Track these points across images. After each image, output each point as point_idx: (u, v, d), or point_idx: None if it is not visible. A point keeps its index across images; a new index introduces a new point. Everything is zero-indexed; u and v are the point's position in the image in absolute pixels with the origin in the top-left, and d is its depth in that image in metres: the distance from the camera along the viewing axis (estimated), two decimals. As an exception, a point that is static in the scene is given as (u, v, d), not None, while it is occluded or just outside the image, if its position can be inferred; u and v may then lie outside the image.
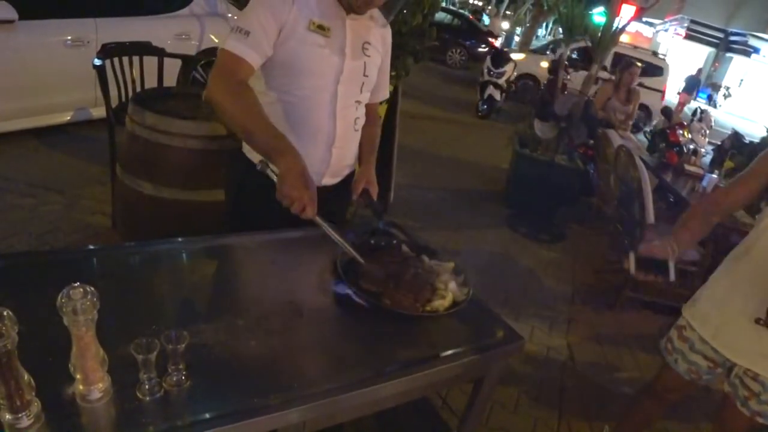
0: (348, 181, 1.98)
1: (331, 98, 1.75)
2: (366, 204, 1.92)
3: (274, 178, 1.48)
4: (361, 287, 1.46)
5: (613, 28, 6.59)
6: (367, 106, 1.97)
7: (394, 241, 1.75)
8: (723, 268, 1.97)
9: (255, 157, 1.78)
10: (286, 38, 1.63)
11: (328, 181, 1.88)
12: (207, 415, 1.01)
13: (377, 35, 1.86)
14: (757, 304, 1.74)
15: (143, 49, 3.68)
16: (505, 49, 11.07)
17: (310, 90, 1.72)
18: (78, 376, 0.97)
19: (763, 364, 1.82)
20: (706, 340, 1.94)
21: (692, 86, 16.63)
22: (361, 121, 1.93)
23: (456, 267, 1.65)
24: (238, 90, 1.57)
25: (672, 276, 1.97)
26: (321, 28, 1.67)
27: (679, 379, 2.09)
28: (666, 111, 7.24)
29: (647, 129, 6.95)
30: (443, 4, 21.50)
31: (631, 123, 6.18)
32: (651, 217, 3.92)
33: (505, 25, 21.75)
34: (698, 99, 16.10)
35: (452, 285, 1.54)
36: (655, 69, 12.00)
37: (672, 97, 16.26)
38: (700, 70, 17.99)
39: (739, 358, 1.87)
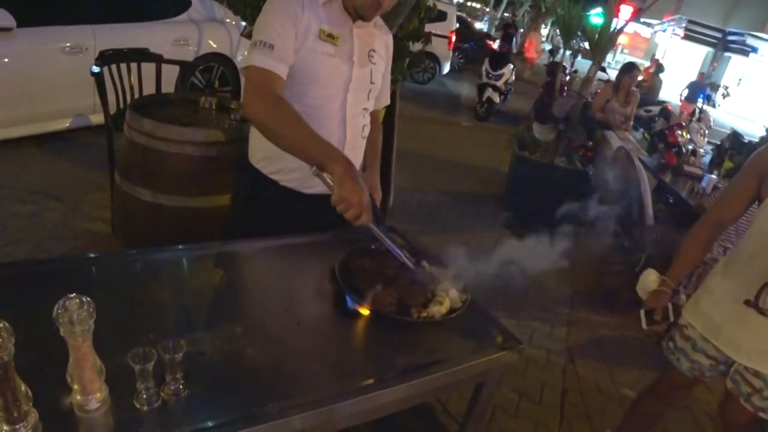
0: None
1: (341, 106, 1.76)
2: None
3: (330, 182, 1.47)
4: (354, 288, 1.46)
5: (611, 28, 6.60)
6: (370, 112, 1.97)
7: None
8: (721, 268, 1.98)
9: (264, 167, 1.80)
10: (298, 47, 1.64)
11: None
12: (205, 424, 1.01)
13: (381, 42, 1.86)
14: (750, 290, 1.76)
15: (141, 55, 3.69)
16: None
17: (321, 99, 1.73)
18: (75, 387, 0.96)
19: (763, 362, 1.83)
20: (708, 338, 1.95)
21: (696, 93, 14.33)
22: (368, 129, 1.93)
23: (456, 273, 1.65)
24: (278, 105, 1.56)
25: (671, 317, 2.01)
26: (331, 37, 1.67)
27: (683, 378, 2.10)
28: (665, 112, 7.24)
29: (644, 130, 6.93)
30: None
31: (630, 124, 6.20)
32: (650, 217, 3.93)
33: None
34: (697, 99, 15.19)
35: (452, 292, 1.54)
36: (438, 14, 12.06)
37: (668, 96, 15.83)
38: (703, 74, 16.16)
39: (740, 356, 1.88)
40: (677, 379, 2.14)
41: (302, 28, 1.62)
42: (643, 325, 2.02)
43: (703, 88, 14.09)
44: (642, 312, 2.03)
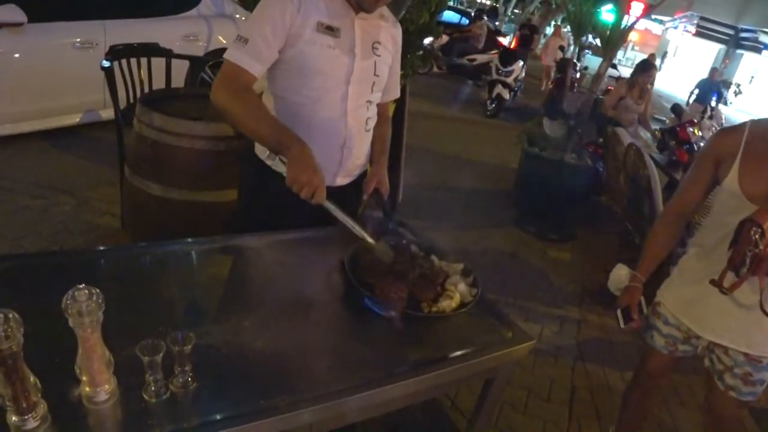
0: (360, 180, 1.98)
1: (342, 98, 1.75)
2: (376, 204, 1.92)
3: (284, 167, 1.52)
4: (362, 282, 1.46)
5: (622, 25, 6.56)
6: (378, 105, 1.96)
7: (404, 241, 1.74)
8: (693, 250, 2.00)
9: (267, 158, 1.79)
10: (294, 41, 1.64)
11: (341, 181, 1.87)
12: (213, 417, 1.01)
13: (387, 35, 1.85)
14: (717, 270, 1.75)
15: (151, 50, 3.69)
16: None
17: (321, 90, 1.73)
18: (84, 378, 0.96)
19: (728, 337, 1.85)
20: (677, 316, 1.99)
21: (707, 93, 11.89)
22: (373, 121, 1.92)
23: (465, 268, 1.64)
24: (240, 94, 1.61)
25: (644, 309, 2.02)
26: (330, 29, 1.67)
27: (661, 359, 2.12)
28: (676, 109, 7.15)
29: (657, 127, 6.86)
30: (451, 3, 21.43)
31: (635, 119, 6.13)
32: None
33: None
34: (709, 99, 12.02)
35: (461, 286, 1.53)
36: None
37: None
38: (716, 71, 13.59)
39: (707, 333, 1.90)
40: (656, 362, 2.16)
41: (297, 24, 1.62)
42: (621, 324, 2.02)
43: (715, 86, 12.34)
44: (619, 312, 2.03)
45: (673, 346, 2.05)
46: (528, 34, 12.42)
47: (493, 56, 11.86)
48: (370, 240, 1.58)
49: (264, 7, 1.63)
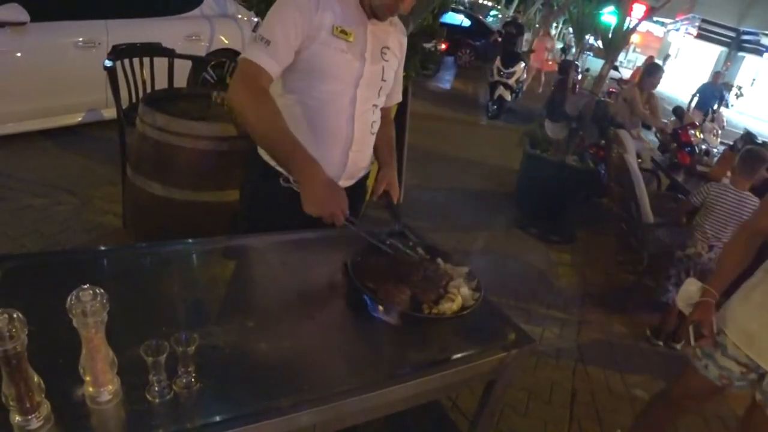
0: (362, 182, 1.99)
1: (350, 102, 1.76)
2: (385, 207, 1.92)
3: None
4: (365, 285, 1.45)
5: (624, 27, 6.56)
6: (381, 108, 1.97)
7: (411, 243, 1.74)
8: (759, 275, 1.91)
9: (272, 159, 1.79)
10: (309, 43, 1.64)
11: (343, 183, 1.87)
12: (217, 418, 1.00)
13: (395, 40, 1.87)
14: None
15: (154, 50, 3.70)
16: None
17: (330, 94, 1.73)
18: (87, 378, 0.96)
19: None
20: (740, 347, 1.88)
21: (708, 99, 10.94)
22: (377, 125, 1.93)
23: (470, 272, 1.64)
24: (259, 97, 1.58)
25: (715, 328, 1.94)
26: (344, 33, 1.67)
27: (703, 386, 2.02)
28: (677, 111, 7.14)
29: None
30: (452, 5, 21.39)
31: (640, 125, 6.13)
32: (649, 216, 3.92)
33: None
34: (710, 106, 10.82)
35: (464, 290, 1.53)
36: None
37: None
38: (717, 74, 12.51)
39: None
40: (696, 387, 2.06)
41: (315, 25, 1.62)
42: (692, 341, 1.93)
43: (717, 90, 11.51)
44: (690, 328, 1.93)
45: (727, 380, 1.95)
46: (513, 32, 12.03)
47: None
48: (387, 249, 1.61)
49: (283, 6, 1.62)
